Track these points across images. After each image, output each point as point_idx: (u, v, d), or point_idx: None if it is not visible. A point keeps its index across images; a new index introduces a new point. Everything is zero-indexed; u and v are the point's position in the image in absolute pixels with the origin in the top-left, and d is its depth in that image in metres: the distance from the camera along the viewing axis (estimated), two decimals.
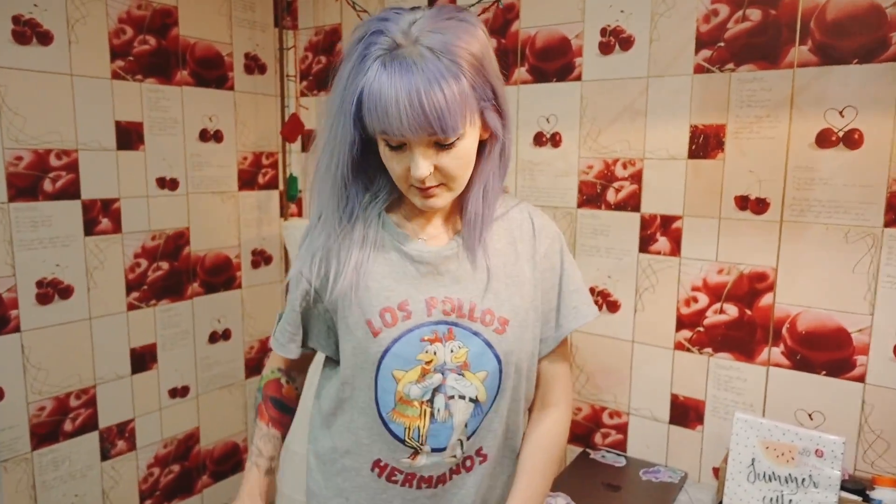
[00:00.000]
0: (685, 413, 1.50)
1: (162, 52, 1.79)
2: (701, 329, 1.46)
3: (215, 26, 1.91)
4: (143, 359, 1.83)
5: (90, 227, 1.67)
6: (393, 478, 0.93)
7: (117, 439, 1.76)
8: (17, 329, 1.54)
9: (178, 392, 1.93)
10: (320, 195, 0.90)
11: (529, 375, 0.97)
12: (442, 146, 0.80)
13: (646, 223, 1.51)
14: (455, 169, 0.82)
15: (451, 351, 0.88)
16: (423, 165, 0.80)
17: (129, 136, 1.73)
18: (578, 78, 1.56)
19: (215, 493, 2.07)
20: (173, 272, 1.88)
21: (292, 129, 2.04)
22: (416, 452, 0.91)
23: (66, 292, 1.63)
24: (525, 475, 0.96)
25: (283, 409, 1.04)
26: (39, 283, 1.57)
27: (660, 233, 1.50)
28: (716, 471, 1.47)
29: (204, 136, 1.92)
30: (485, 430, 0.93)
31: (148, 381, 1.84)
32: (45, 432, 1.61)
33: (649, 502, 1.36)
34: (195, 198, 1.91)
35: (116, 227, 1.73)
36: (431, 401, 0.88)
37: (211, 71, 1.92)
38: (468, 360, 0.88)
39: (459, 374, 0.88)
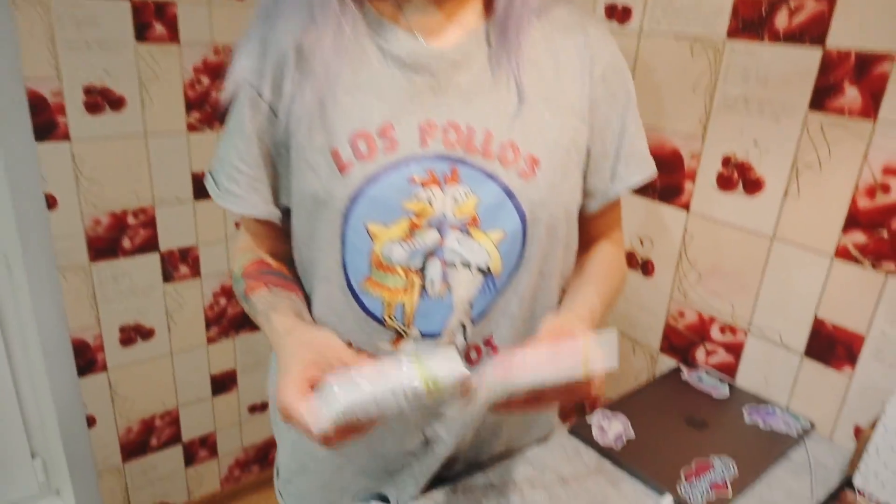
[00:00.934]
0: (831, 346, 1.06)
1: None
2: (884, 233, 0.97)
3: None
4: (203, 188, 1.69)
5: (142, 32, 1.48)
6: None
7: (180, 264, 1.71)
8: (66, 137, 1.45)
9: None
10: None
11: (568, 242, 0.74)
12: None
13: (830, 63, 0.99)
14: None
15: (455, 200, 0.65)
16: None
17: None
18: None
19: None
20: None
21: None
22: (399, 337, 0.70)
23: (117, 104, 1.49)
24: (590, 283, 0.76)
25: (286, 278, 0.79)
26: (88, 91, 1.44)
27: (850, 80, 0.97)
28: (858, 431, 1.04)
29: None
30: (498, 314, 0.71)
31: (210, 208, 1.71)
32: (103, 247, 1.57)
33: (745, 453, 0.99)
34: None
35: (173, 36, 1.52)
36: (423, 269, 0.67)
37: None
38: (478, 213, 0.66)
39: (464, 234, 0.66)
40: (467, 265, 0.67)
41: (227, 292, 1.80)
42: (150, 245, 1.62)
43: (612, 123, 0.74)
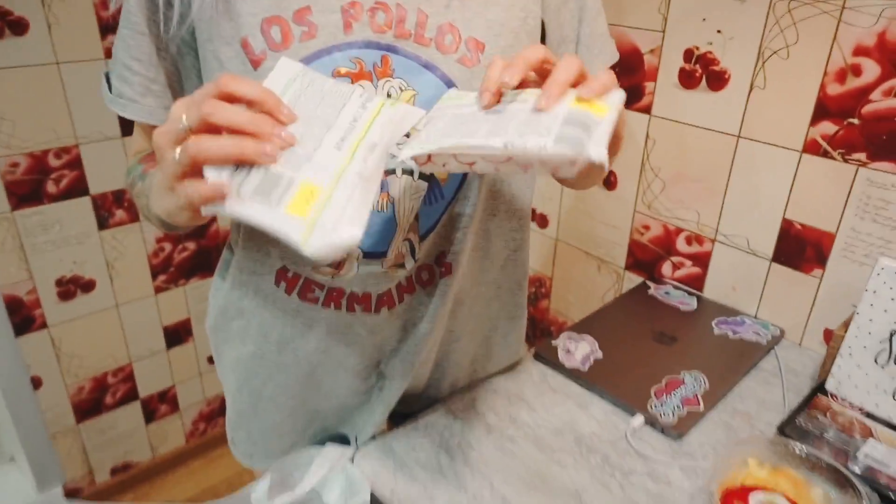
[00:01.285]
0: (800, 249, 1.00)
1: None
2: (854, 121, 0.90)
3: None
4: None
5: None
6: (309, 294, 0.66)
7: (114, 208, 1.59)
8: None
9: None
10: None
11: None
12: None
13: None
14: None
15: (388, 95, 0.57)
16: None
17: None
18: None
19: None
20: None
21: None
22: (340, 262, 0.63)
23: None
24: None
25: None
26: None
27: None
28: (828, 334, 1.00)
29: None
30: (450, 227, 0.65)
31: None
32: (25, 192, 1.45)
33: (715, 366, 0.94)
34: None
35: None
36: None
37: None
38: None
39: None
40: (409, 172, 0.60)
41: (171, 236, 1.70)
42: (79, 189, 1.50)
43: (568, 3, 0.65)
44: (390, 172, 0.59)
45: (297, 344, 0.70)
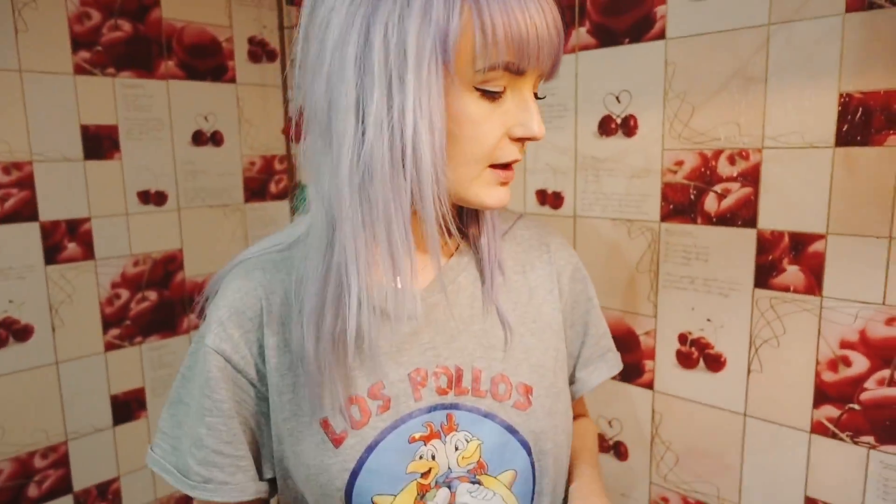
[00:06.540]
0: None
1: (140, 39, 1.48)
2: (855, 407, 0.93)
3: (209, 5, 1.59)
4: (127, 407, 1.53)
5: (52, 255, 1.37)
6: None
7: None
8: None
9: None
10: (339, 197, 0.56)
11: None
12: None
13: (766, 244, 1.00)
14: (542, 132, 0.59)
15: (456, 448, 0.61)
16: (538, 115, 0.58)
17: (98, 143, 1.43)
18: (661, 35, 1.07)
19: None
20: (163, 303, 1.57)
21: (299, 129, 1.49)
22: None
23: (23, 333, 1.34)
24: (584, 462, 0.74)
25: None
26: None
27: (788, 259, 0.98)
28: None
29: (199, 138, 1.60)
30: None
31: (134, 433, 1.53)
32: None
33: None
34: (189, 213, 1.60)
35: (87, 253, 1.42)
36: None
37: (205, 60, 1.61)
38: (483, 457, 0.62)
39: (474, 483, 0.61)
40: None
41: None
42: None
43: (575, 327, 0.74)
44: None
45: None
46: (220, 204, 1.67)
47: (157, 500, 1.63)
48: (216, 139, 1.64)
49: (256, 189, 1.74)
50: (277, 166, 1.79)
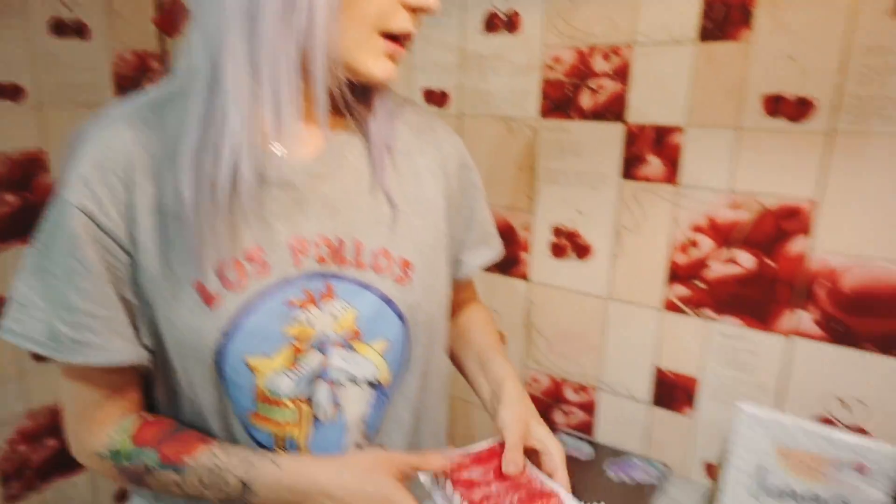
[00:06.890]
0: (671, 393, 1.13)
1: None
2: (701, 284, 1.06)
3: None
4: None
5: None
6: None
7: None
8: None
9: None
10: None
11: (444, 338, 0.75)
12: None
13: (632, 137, 1.09)
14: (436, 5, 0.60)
15: (333, 316, 0.63)
16: None
17: None
18: None
19: None
20: (27, 207, 1.41)
21: (171, 19, 1.53)
22: None
23: None
24: (495, 351, 0.79)
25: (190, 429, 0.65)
26: None
27: (651, 150, 1.07)
28: (710, 468, 1.12)
29: (59, 28, 1.42)
30: (390, 423, 0.70)
31: None
32: None
33: None
34: (52, 112, 1.42)
35: None
36: (310, 396, 0.63)
37: None
38: (358, 326, 0.64)
39: (348, 349, 0.64)
40: (355, 381, 0.64)
41: (27, 437, 1.43)
42: None
43: (461, 212, 0.76)
44: (339, 385, 0.63)
45: None
46: (89, 102, 1.49)
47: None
48: (81, 31, 1.46)
49: (128, 87, 1.58)
50: (155, 66, 1.62)
